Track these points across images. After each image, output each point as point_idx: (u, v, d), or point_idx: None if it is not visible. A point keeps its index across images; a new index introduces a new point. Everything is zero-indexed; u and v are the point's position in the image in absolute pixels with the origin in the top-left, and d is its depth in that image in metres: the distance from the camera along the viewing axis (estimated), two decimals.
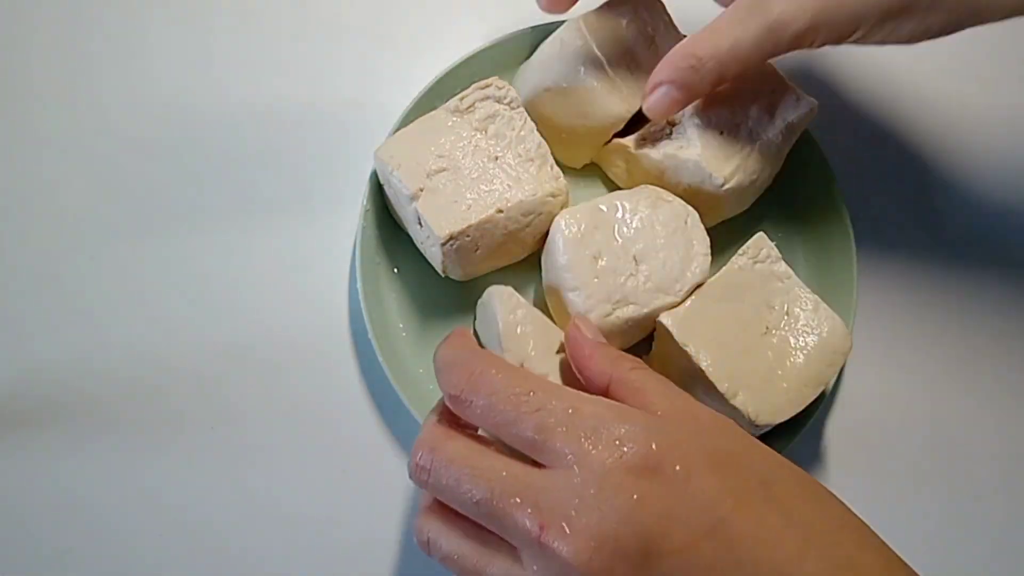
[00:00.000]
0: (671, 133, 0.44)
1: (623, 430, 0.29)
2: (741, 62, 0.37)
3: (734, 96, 0.43)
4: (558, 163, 0.43)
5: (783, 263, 0.42)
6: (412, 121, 0.43)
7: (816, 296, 0.41)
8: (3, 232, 0.47)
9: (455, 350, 0.35)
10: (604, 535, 0.27)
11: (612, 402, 0.31)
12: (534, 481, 0.29)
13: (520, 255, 0.45)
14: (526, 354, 0.39)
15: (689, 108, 0.43)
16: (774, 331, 0.40)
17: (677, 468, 0.28)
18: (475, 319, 0.45)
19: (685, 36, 0.48)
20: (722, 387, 0.38)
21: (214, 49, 0.51)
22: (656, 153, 0.44)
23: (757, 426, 0.39)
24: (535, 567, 0.28)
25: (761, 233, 0.43)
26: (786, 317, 0.41)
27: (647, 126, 0.45)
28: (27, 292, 0.46)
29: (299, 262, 0.48)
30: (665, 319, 0.40)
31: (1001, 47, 0.55)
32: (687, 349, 0.39)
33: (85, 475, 0.44)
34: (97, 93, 0.49)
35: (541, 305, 0.45)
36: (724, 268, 0.42)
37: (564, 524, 0.27)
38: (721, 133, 0.43)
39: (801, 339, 0.40)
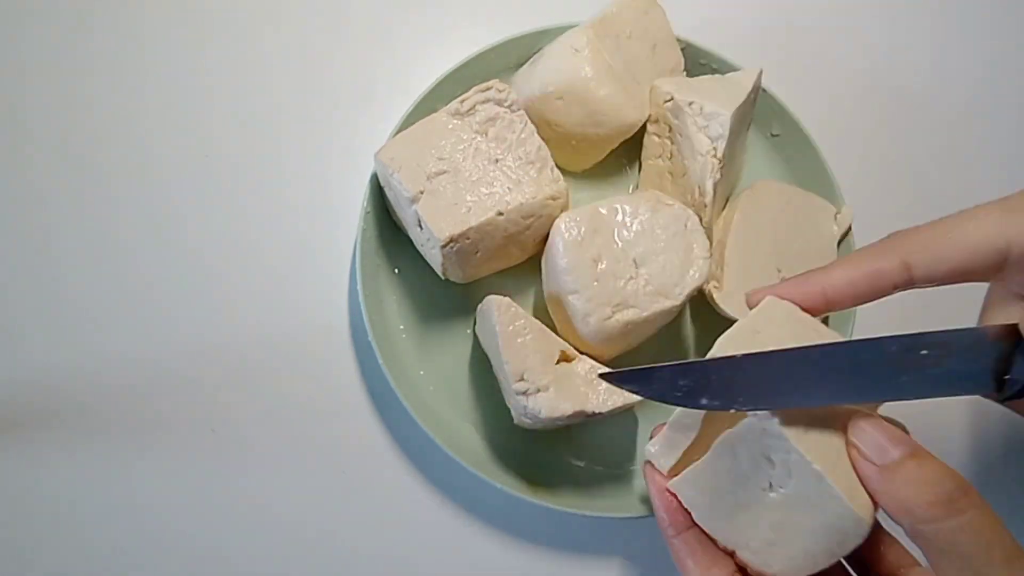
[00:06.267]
0: None
1: None
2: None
3: None
4: (559, 167, 0.43)
5: (774, 421, 0.31)
6: (413, 123, 0.43)
7: (819, 469, 0.30)
8: None
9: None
10: None
11: None
12: None
13: (520, 258, 0.45)
14: (526, 364, 0.39)
15: None
16: (779, 488, 0.32)
17: None
18: (475, 323, 0.45)
19: (684, 44, 0.48)
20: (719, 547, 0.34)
21: (214, 51, 0.51)
22: None
23: None
24: None
25: None
26: (789, 480, 0.31)
27: None
28: (25, 296, 0.46)
29: (299, 263, 0.48)
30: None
31: (1002, 48, 0.55)
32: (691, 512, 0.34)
33: (84, 478, 0.45)
34: (94, 95, 0.49)
35: (541, 308, 0.45)
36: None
37: None
38: None
39: (807, 516, 0.31)
